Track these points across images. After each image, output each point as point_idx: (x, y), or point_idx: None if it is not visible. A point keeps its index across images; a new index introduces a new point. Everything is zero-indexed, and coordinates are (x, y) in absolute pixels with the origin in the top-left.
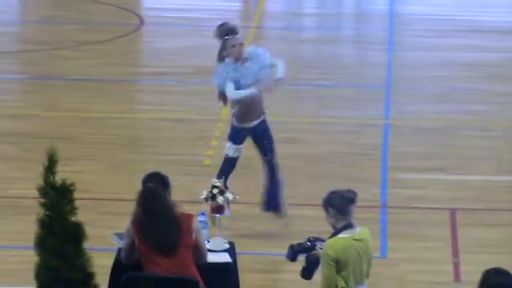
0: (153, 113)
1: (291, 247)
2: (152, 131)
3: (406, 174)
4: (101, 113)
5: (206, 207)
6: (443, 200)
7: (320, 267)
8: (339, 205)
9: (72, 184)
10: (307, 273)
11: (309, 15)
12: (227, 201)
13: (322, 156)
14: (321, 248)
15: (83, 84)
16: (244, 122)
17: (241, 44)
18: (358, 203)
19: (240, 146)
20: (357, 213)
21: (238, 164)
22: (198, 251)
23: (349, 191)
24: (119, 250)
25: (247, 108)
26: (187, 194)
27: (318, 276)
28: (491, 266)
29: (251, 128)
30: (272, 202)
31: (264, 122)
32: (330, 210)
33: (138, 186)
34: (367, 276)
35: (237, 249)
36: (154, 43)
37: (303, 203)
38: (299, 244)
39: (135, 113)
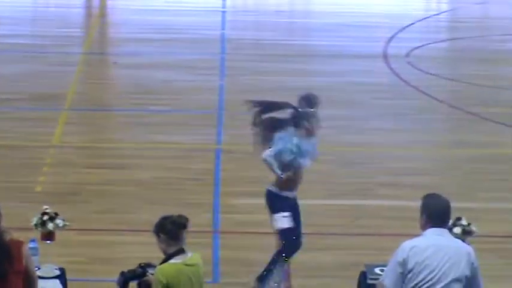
0: None
1: (122, 273)
2: None
3: (238, 199)
4: None
5: (37, 233)
6: None
7: None
8: (170, 230)
9: None
10: None
11: (141, 40)
12: (57, 227)
13: (154, 181)
14: (152, 274)
15: None
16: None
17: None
18: (191, 228)
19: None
20: (189, 238)
21: (68, 190)
22: (29, 278)
23: (181, 216)
24: None
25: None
26: (18, 220)
27: None
28: None
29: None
30: None
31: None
32: (161, 235)
33: None
34: None
35: (68, 276)
36: None
37: (135, 229)
38: (130, 270)
39: None
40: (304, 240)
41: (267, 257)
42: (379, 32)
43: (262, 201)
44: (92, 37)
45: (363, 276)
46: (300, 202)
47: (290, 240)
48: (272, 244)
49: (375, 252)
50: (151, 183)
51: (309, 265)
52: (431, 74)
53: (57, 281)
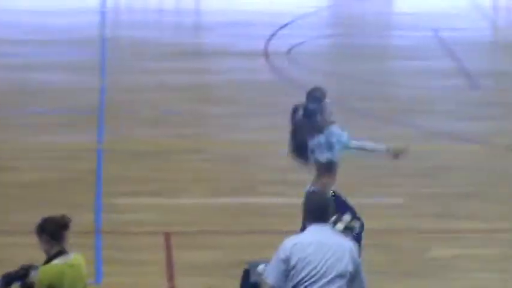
0: None
1: (4, 276)
2: None
3: (121, 199)
4: None
5: None
6: (158, 223)
7: None
8: (52, 231)
9: None
10: None
11: (19, 42)
12: None
13: (35, 183)
14: (34, 276)
15: None
16: None
17: None
18: (73, 228)
19: None
20: (71, 239)
21: None
22: None
23: (63, 216)
24: None
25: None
26: None
27: None
28: None
29: None
30: None
31: None
32: (43, 236)
33: None
34: None
35: None
36: None
37: (18, 230)
38: (12, 272)
39: None
40: (187, 238)
41: (150, 256)
42: (259, 30)
43: (146, 200)
44: None
45: (246, 274)
46: (184, 201)
47: None
48: (153, 243)
49: (258, 250)
50: (33, 185)
51: (192, 264)
52: (312, 70)
53: None
